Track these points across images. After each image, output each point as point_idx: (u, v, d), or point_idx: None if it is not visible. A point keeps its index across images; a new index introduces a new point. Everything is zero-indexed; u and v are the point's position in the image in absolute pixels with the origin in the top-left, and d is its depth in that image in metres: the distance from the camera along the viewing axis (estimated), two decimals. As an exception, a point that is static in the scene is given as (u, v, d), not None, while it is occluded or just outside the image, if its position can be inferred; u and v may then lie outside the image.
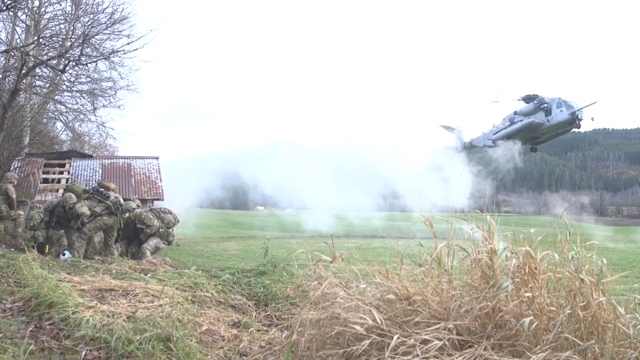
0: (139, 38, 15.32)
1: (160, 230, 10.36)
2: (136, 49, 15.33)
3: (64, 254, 9.37)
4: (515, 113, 37.74)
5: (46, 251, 9.82)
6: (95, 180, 18.70)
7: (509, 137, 37.79)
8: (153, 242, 10.21)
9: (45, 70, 17.20)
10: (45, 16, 16.25)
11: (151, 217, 10.45)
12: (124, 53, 15.49)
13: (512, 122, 37.76)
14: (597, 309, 2.87)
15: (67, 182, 18.65)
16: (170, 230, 10.66)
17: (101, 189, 10.33)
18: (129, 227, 10.62)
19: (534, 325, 2.75)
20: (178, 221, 10.95)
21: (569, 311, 2.86)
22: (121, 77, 17.79)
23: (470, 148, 42.50)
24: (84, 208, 9.78)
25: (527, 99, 36.90)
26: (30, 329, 3.77)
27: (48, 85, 19.24)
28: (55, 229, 10.65)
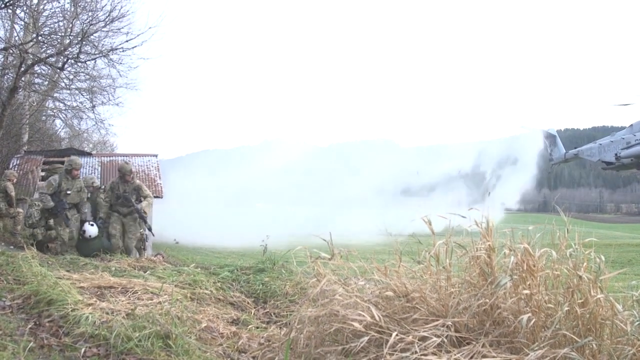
0: (138, 35, 15.24)
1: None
2: (135, 47, 15.27)
3: (91, 224, 9.17)
4: None
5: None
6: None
7: None
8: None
9: (44, 67, 17.15)
10: (44, 13, 16.16)
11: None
12: (123, 50, 15.45)
13: None
14: (594, 306, 2.87)
15: None
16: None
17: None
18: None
19: (531, 322, 2.76)
20: None
21: (566, 308, 2.86)
22: (120, 75, 17.73)
23: (573, 159, 35.47)
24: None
25: None
26: (29, 326, 3.78)
27: (47, 82, 19.20)
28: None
